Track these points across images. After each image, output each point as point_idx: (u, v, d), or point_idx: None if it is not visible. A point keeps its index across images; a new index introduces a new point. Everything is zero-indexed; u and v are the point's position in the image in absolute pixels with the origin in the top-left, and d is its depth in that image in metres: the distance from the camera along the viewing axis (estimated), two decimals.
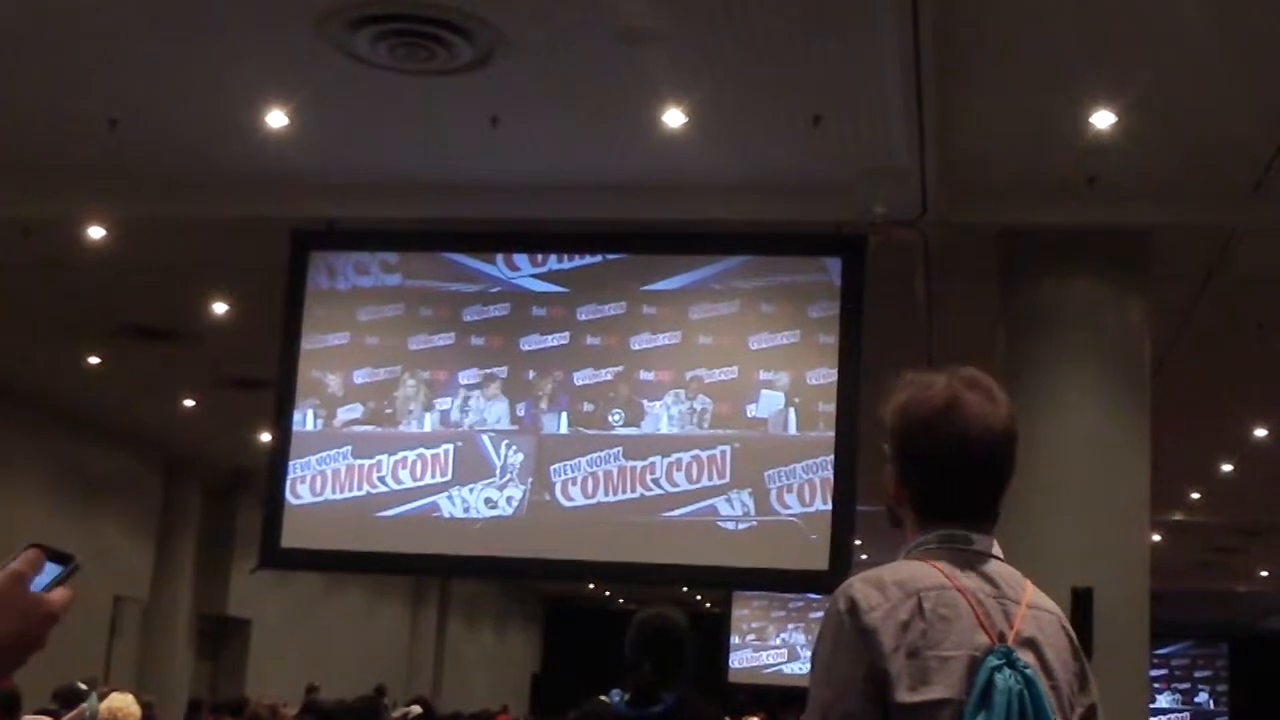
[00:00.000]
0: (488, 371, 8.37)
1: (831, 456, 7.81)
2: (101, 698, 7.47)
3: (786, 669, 23.70)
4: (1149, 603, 8.06)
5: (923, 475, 2.01)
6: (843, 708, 1.84)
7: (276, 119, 7.56)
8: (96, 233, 9.09)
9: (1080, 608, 7.52)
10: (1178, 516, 17.15)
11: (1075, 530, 7.77)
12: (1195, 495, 16.29)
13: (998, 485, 2.02)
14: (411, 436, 8.40)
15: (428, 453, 8.35)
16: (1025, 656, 1.91)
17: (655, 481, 8.06)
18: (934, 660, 1.87)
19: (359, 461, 8.38)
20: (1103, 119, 7.08)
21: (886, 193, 7.71)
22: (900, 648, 1.87)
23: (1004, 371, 8.16)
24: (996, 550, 2.02)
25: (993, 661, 1.88)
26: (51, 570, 1.58)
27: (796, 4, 6.23)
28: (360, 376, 8.50)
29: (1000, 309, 8.46)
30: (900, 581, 1.92)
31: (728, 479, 7.99)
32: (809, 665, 1.96)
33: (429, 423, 8.40)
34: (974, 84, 6.92)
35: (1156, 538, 13.96)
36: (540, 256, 8.46)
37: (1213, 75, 6.68)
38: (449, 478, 8.30)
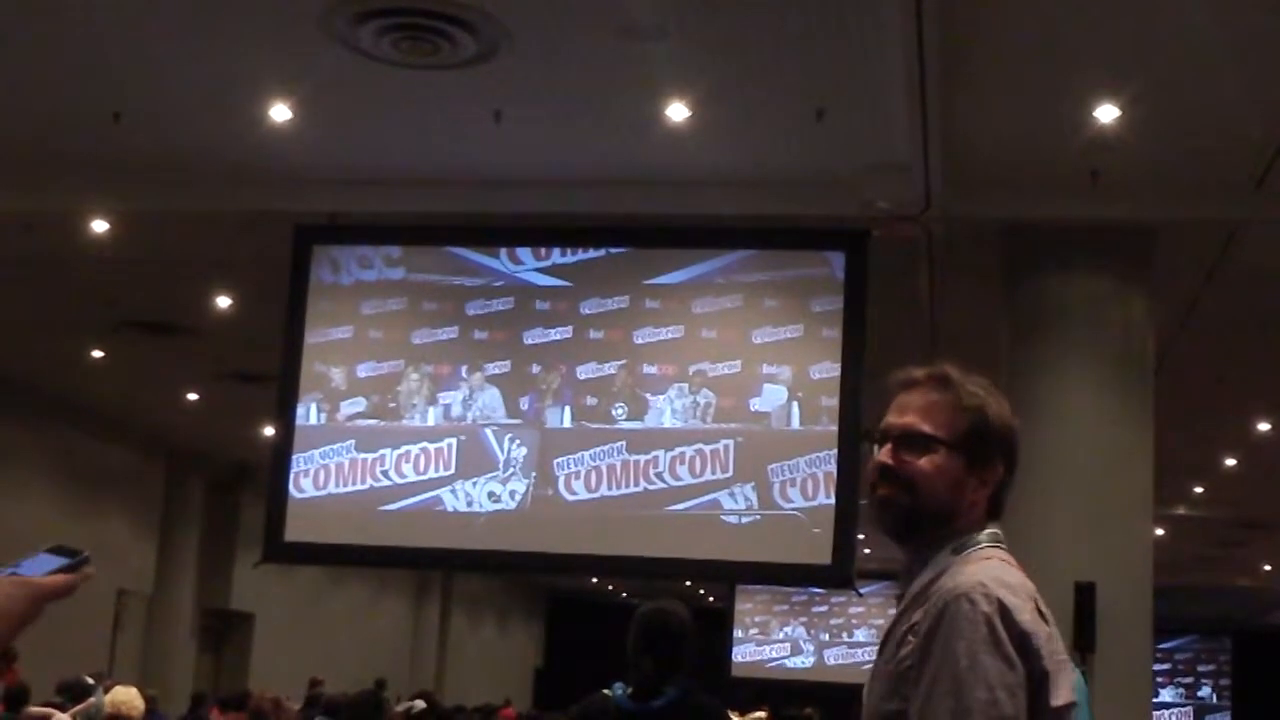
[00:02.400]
0: (483, 364, 8.37)
1: (834, 450, 7.82)
2: (105, 691, 7.48)
3: (789, 663, 23.67)
4: (1152, 597, 8.05)
5: (1010, 476, 2.05)
6: (1000, 712, 1.80)
7: (280, 113, 7.56)
8: (100, 226, 9.08)
9: (1083, 602, 7.53)
10: (1181, 511, 17.14)
11: (1078, 525, 7.77)
12: (1198, 489, 16.28)
13: None
14: (415, 430, 8.40)
15: (431, 446, 8.36)
16: None
17: (658, 475, 8.06)
18: (1059, 662, 1.89)
19: (362, 455, 8.38)
20: (1106, 113, 7.07)
21: (890, 187, 7.70)
22: (1047, 650, 1.87)
23: (1007, 366, 8.17)
24: None
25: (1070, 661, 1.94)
26: (54, 561, 1.61)
27: None
28: (363, 370, 8.50)
29: (1003, 303, 8.45)
30: (1019, 584, 1.91)
31: (731, 473, 7.99)
32: (928, 666, 1.85)
33: (432, 416, 8.40)
34: (978, 78, 6.91)
35: (1159, 532, 13.94)
36: (544, 250, 8.46)
37: (1216, 69, 6.67)
38: (452, 471, 8.30)
